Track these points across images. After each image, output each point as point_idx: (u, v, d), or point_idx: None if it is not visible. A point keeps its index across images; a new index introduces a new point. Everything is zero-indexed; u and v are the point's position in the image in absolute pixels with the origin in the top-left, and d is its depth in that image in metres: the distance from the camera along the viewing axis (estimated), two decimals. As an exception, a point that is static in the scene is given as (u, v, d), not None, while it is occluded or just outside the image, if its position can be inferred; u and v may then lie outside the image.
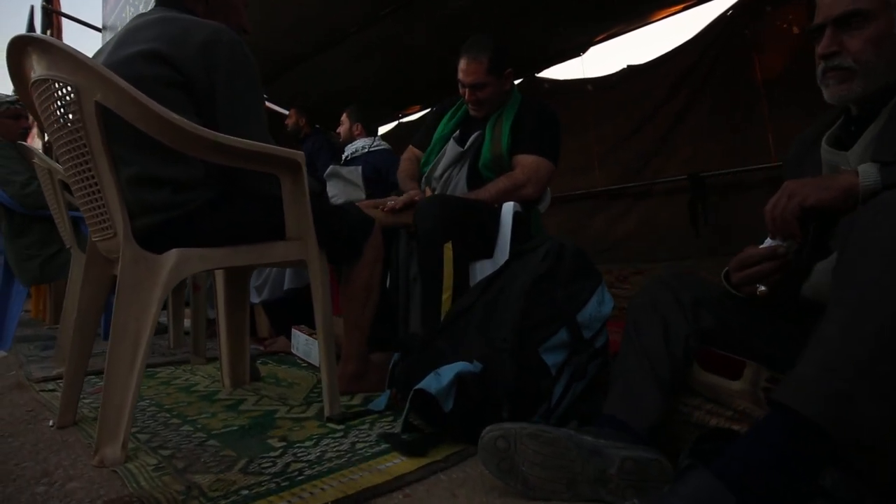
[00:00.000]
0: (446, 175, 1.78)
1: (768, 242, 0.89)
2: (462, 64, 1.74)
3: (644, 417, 0.83)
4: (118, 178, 1.00)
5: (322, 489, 0.78)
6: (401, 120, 5.52)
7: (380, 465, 0.88)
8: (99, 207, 1.04)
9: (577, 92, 4.18)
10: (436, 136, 1.87)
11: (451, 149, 1.79)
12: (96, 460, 0.91)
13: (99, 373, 1.70)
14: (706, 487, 0.59)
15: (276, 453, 0.94)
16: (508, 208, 1.65)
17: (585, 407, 1.09)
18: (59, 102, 1.01)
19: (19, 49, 1.04)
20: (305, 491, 0.78)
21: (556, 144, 1.77)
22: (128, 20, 3.38)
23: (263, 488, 0.79)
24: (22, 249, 2.29)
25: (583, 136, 4.09)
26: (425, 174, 1.85)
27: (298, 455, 0.93)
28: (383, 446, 0.97)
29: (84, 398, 1.33)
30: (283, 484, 0.81)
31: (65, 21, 4.77)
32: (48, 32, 4.81)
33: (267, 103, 3.87)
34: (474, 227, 1.57)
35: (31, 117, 2.42)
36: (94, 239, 1.15)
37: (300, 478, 0.83)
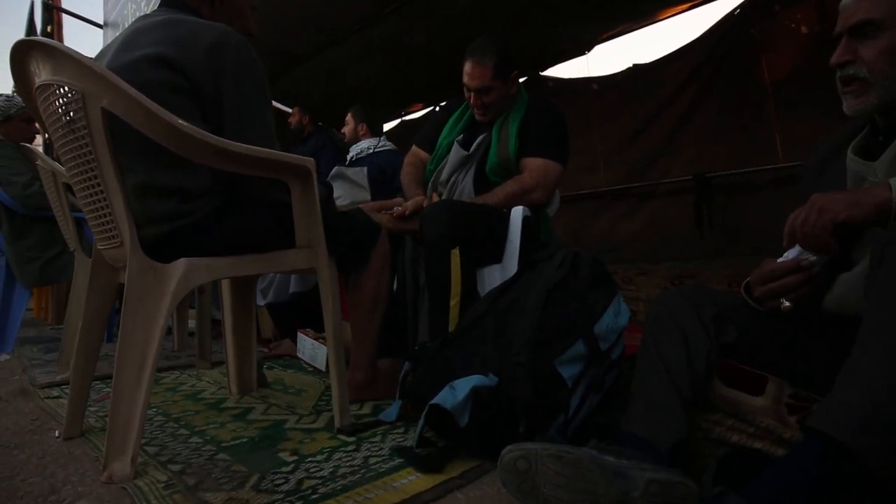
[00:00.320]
0: (453, 180, 1.76)
1: (790, 255, 0.87)
2: (467, 68, 1.71)
3: (667, 436, 0.81)
4: (124, 187, 0.98)
5: (337, 509, 0.77)
6: (403, 118, 5.49)
7: (395, 482, 0.86)
8: (105, 216, 1.02)
9: (582, 91, 4.15)
10: (441, 139, 1.84)
11: (456, 152, 1.76)
12: (105, 476, 0.89)
13: (105, 378, 1.68)
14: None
15: (289, 468, 0.93)
16: (518, 213, 1.63)
17: (601, 418, 1.07)
18: (64, 108, 0.98)
19: (23, 53, 1.02)
20: (320, 511, 0.76)
21: (564, 146, 1.74)
22: (129, 17, 3.35)
23: (277, 508, 0.77)
24: (23, 251, 2.27)
25: (587, 135, 4.05)
26: (431, 179, 1.82)
27: (311, 471, 0.91)
28: (397, 461, 0.95)
29: (90, 405, 1.31)
30: (298, 503, 0.79)
31: (65, 17, 4.73)
32: (49, 28, 4.78)
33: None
34: (482, 233, 1.55)
35: (39, 122, 2.39)
36: (99, 247, 1.13)
37: (314, 496, 0.81)
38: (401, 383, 1.19)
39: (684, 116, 3.66)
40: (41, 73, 1.00)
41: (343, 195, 2.37)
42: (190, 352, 2.19)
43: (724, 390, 0.90)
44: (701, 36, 3.58)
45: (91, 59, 0.96)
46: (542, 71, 4.38)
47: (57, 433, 1.15)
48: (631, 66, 3.94)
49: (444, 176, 1.78)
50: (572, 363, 1.02)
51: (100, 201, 1.01)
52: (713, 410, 0.92)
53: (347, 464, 0.94)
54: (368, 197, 2.35)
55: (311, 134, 3.52)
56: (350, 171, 2.45)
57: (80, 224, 2.02)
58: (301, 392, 1.49)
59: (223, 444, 1.06)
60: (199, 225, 1.04)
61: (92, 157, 0.97)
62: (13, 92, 2.74)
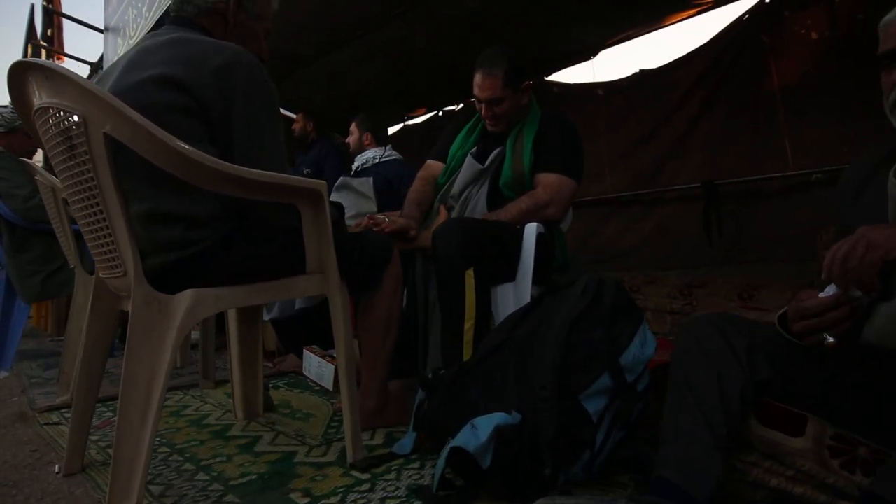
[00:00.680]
0: (466, 194, 1.71)
1: (830, 290, 0.83)
2: (477, 79, 1.67)
3: (704, 484, 0.77)
4: (128, 215, 0.93)
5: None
6: (406, 122, 5.45)
7: (415, 529, 0.82)
8: (107, 244, 0.97)
9: (588, 96, 4.11)
10: (453, 151, 1.80)
11: (470, 166, 1.71)
12: (108, 523, 0.85)
13: (107, 400, 1.63)
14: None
15: (301, 513, 0.88)
16: (531, 229, 1.58)
17: (626, 451, 1.03)
18: (64, 133, 0.94)
19: (20, 74, 0.97)
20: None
21: (579, 161, 1.70)
22: (130, 22, 3.31)
23: (292, 564, 0.73)
24: (24, 265, 2.22)
25: (594, 141, 4.01)
26: (441, 192, 1.78)
27: (325, 516, 0.87)
28: (415, 503, 0.90)
29: (92, 433, 1.26)
30: (313, 557, 0.74)
31: (66, 21, 4.69)
32: (49, 32, 4.74)
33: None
34: (496, 251, 1.50)
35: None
36: (102, 276, 1.08)
37: (331, 549, 0.76)
38: (415, 413, 1.14)
39: (692, 123, 3.62)
40: (41, 96, 0.96)
41: (349, 206, 2.32)
42: (193, 368, 2.14)
43: (760, 430, 0.86)
44: (709, 41, 3.54)
45: (93, 83, 0.91)
46: (547, 76, 4.34)
47: (57, 468, 1.10)
48: (637, 71, 3.91)
49: (456, 189, 1.73)
50: (597, 397, 0.97)
51: (102, 229, 0.97)
52: (749, 450, 0.87)
53: (363, 507, 0.89)
54: (374, 208, 2.30)
55: (315, 141, 3.47)
56: (356, 182, 2.41)
57: (80, 238, 1.97)
58: (309, 417, 1.44)
59: (231, 483, 1.01)
60: (207, 253, 1.00)
61: (94, 182, 0.92)
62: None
